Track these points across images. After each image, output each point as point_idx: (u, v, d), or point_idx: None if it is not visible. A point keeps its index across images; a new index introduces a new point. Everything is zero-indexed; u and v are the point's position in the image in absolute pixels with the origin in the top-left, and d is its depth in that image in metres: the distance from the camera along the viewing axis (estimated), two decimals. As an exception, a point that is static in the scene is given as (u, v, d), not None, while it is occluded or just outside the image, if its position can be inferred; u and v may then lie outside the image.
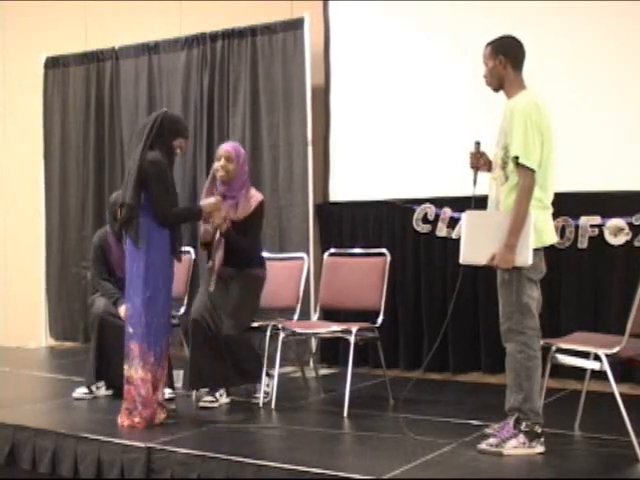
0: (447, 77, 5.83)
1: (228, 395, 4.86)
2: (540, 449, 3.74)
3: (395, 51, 6.10)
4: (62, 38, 7.82)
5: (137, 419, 4.34)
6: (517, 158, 3.70)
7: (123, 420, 4.37)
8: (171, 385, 4.95)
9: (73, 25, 7.83)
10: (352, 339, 4.68)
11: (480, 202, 3.94)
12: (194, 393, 4.97)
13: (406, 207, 5.98)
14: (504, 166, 3.79)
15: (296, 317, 5.28)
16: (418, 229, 5.94)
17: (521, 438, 3.73)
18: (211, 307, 4.80)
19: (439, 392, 5.38)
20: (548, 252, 3.91)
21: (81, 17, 7.81)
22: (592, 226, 5.29)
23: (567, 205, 4.89)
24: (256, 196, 4.99)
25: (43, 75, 7.82)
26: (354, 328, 4.72)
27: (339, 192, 6.38)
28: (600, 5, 5.31)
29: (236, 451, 3.80)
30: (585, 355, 3.92)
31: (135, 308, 4.36)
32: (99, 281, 5.31)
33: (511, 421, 3.77)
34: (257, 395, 4.90)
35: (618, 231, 5.21)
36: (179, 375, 5.22)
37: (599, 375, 3.91)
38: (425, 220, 5.92)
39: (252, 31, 6.65)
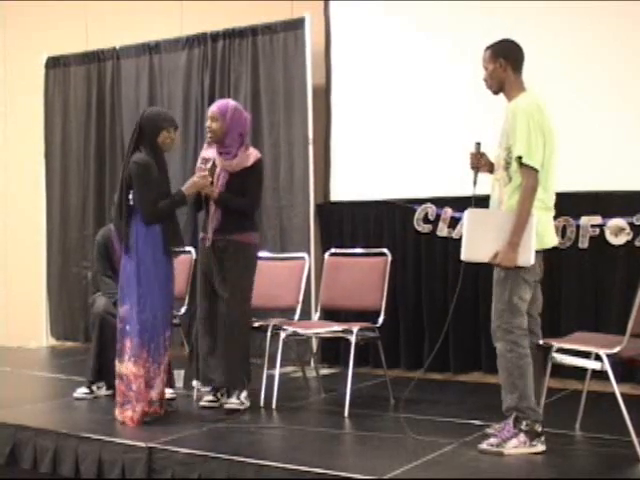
0: (447, 77, 5.83)
1: (229, 396, 4.85)
2: (541, 448, 3.75)
3: (395, 51, 6.10)
4: (63, 38, 7.82)
5: (128, 414, 4.40)
6: (520, 158, 3.71)
7: (117, 414, 4.45)
8: (171, 385, 4.95)
9: (74, 25, 7.84)
10: (353, 339, 4.68)
11: (480, 202, 3.95)
12: (195, 393, 4.98)
13: (407, 207, 5.99)
14: (507, 167, 3.80)
15: (297, 317, 5.28)
16: (419, 229, 5.94)
17: (522, 437, 3.74)
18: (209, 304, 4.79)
19: (440, 392, 5.38)
20: (549, 252, 3.92)
21: (82, 17, 7.81)
22: (593, 226, 5.30)
23: (568, 205, 4.88)
24: (255, 153, 4.87)
25: (44, 75, 7.82)
26: (355, 328, 4.73)
27: (340, 192, 6.38)
28: (600, 5, 5.31)
29: (237, 451, 3.81)
30: (586, 355, 3.92)
31: (129, 305, 4.45)
32: (102, 278, 5.32)
33: (511, 421, 3.78)
34: (231, 400, 4.72)
35: (619, 231, 5.22)
36: (179, 375, 5.22)
37: (600, 375, 3.91)
38: (426, 220, 5.92)
39: (253, 31, 6.65)
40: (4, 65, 8.37)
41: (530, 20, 5.44)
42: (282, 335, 4.88)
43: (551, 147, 3.81)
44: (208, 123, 4.80)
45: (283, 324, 4.97)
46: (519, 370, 3.75)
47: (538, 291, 3.97)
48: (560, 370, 4.63)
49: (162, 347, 4.50)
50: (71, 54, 7.70)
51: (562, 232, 5.28)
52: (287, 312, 5.34)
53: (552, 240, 3.92)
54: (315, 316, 5.59)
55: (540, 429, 3.76)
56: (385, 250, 5.25)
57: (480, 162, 4.03)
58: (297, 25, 6.41)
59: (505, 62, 3.87)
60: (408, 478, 3.45)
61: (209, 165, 4.75)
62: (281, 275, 5.41)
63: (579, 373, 4.30)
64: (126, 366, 4.43)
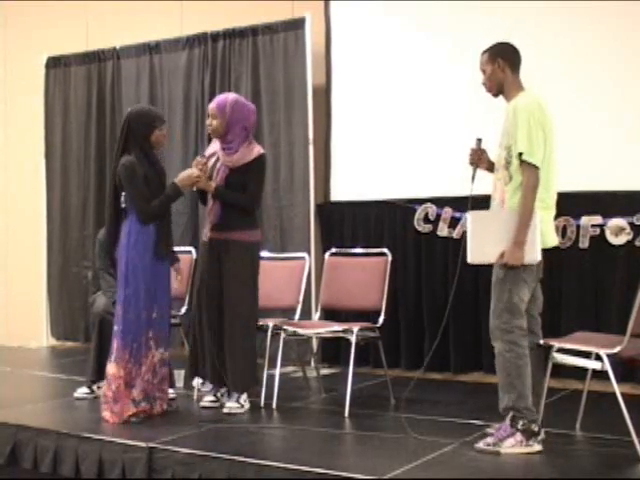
0: (447, 77, 5.84)
1: (229, 396, 4.85)
2: (537, 447, 3.75)
3: (396, 51, 6.11)
4: (63, 38, 7.82)
5: (107, 413, 4.46)
6: (521, 155, 3.71)
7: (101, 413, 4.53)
8: (172, 385, 4.95)
9: (74, 25, 7.84)
10: (353, 339, 4.68)
11: (479, 200, 3.95)
12: (195, 393, 4.98)
13: (407, 207, 5.99)
14: (508, 166, 3.81)
15: (297, 317, 5.28)
16: (419, 229, 5.95)
17: (518, 437, 3.74)
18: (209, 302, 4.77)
19: (440, 392, 5.38)
20: (549, 252, 3.92)
21: (82, 17, 7.81)
22: (593, 226, 5.30)
23: (568, 205, 4.87)
24: (257, 149, 4.80)
25: (44, 75, 7.82)
26: (355, 328, 4.73)
27: (340, 192, 6.38)
28: (600, 5, 5.31)
29: (238, 451, 3.81)
30: (586, 355, 3.92)
31: (118, 305, 4.53)
32: (103, 274, 5.31)
33: (507, 420, 3.78)
34: (229, 404, 4.70)
35: (619, 231, 5.22)
36: (179, 375, 5.22)
37: (600, 375, 3.91)
38: (426, 220, 5.92)
39: (253, 31, 6.65)
40: (4, 65, 8.37)
41: (530, 20, 5.44)
42: (282, 335, 4.88)
43: (551, 146, 3.82)
44: (208, 121, 4.76)
45: (283, 324, 4.97)
46: (517, 370, 3.75)
47: (538, 290, 3.97)
48: (560, 370, 4.63)
49: (144, 347, 4.53)
50: (71, 54, 7.70)
51: (562, 232, 5.28)
52: (287, 312, 5.34)
53: (552, 240, 3.92)
54: (315, 316, 5.59)
55: (536, 429, 3.77)
56: (385, 250, 5.25)
57: (480, 158, 4.03)
58: (297, 25, 6.42)
59: (503, 62, 3.89)
60: (408, 478, 3.45)
61: (212, 160, 4.74)
62: (281, 275, 5.41)
63: (579, 373, 4.30)
64: (110, 365, 4.51)
